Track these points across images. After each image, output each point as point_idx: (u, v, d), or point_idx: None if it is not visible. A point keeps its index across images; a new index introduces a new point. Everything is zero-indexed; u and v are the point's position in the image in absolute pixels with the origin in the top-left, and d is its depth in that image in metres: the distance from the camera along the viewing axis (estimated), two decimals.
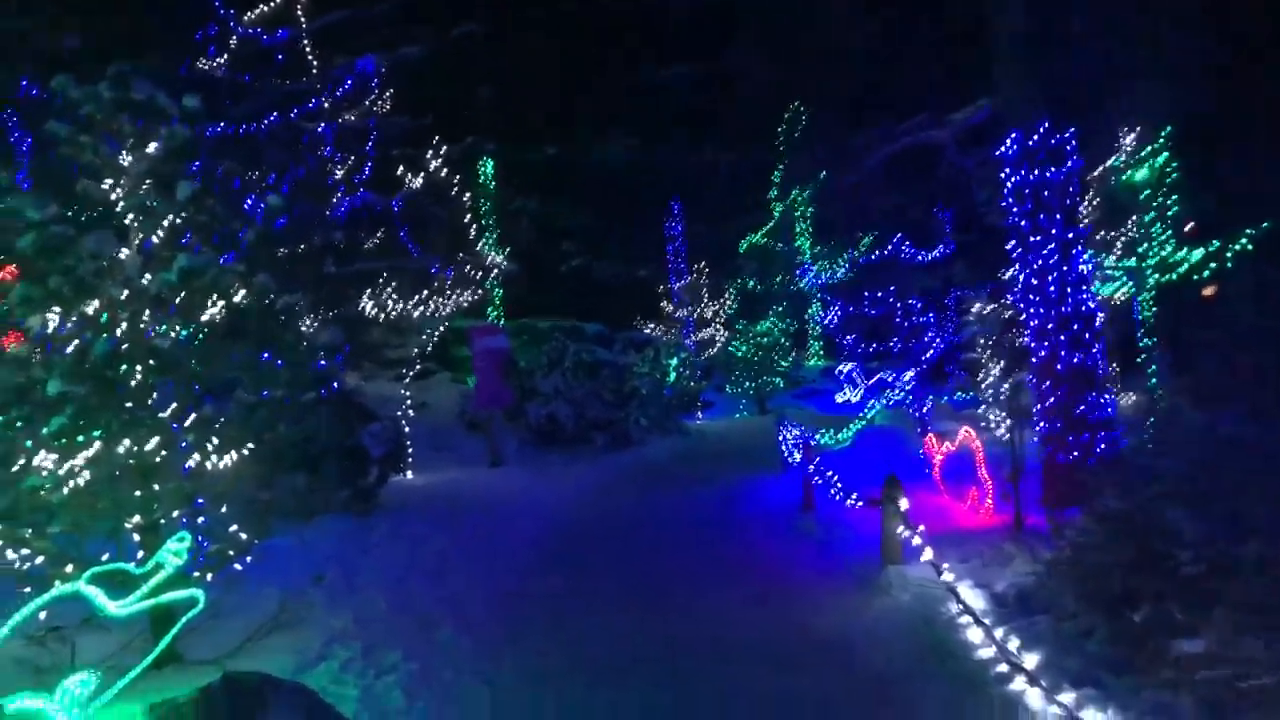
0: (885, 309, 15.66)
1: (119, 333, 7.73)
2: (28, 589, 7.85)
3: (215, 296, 8.24)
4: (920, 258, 16.61)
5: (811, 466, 13.97)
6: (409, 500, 15.13)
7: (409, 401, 18.86)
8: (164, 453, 8.04)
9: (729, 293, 32.34)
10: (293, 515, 9.61)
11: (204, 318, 8.23)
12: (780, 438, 18.28)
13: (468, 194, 22.54)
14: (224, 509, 8.62)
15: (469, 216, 22.74)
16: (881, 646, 8.38)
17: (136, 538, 8.06)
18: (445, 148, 20.81)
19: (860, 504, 12.47)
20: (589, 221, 33.40)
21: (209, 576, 8.15)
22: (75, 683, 6.23)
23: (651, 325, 31.16)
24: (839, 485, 13.38)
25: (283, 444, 9.58)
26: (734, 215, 33.84)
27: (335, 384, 11.30)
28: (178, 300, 8.03)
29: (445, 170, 20.25)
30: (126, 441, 7.74)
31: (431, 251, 19.73)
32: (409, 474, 17.63)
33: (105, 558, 7.70)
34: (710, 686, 7.81)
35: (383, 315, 18.49)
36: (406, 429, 17.81)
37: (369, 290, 18.26)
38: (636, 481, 19.11)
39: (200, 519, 8.44)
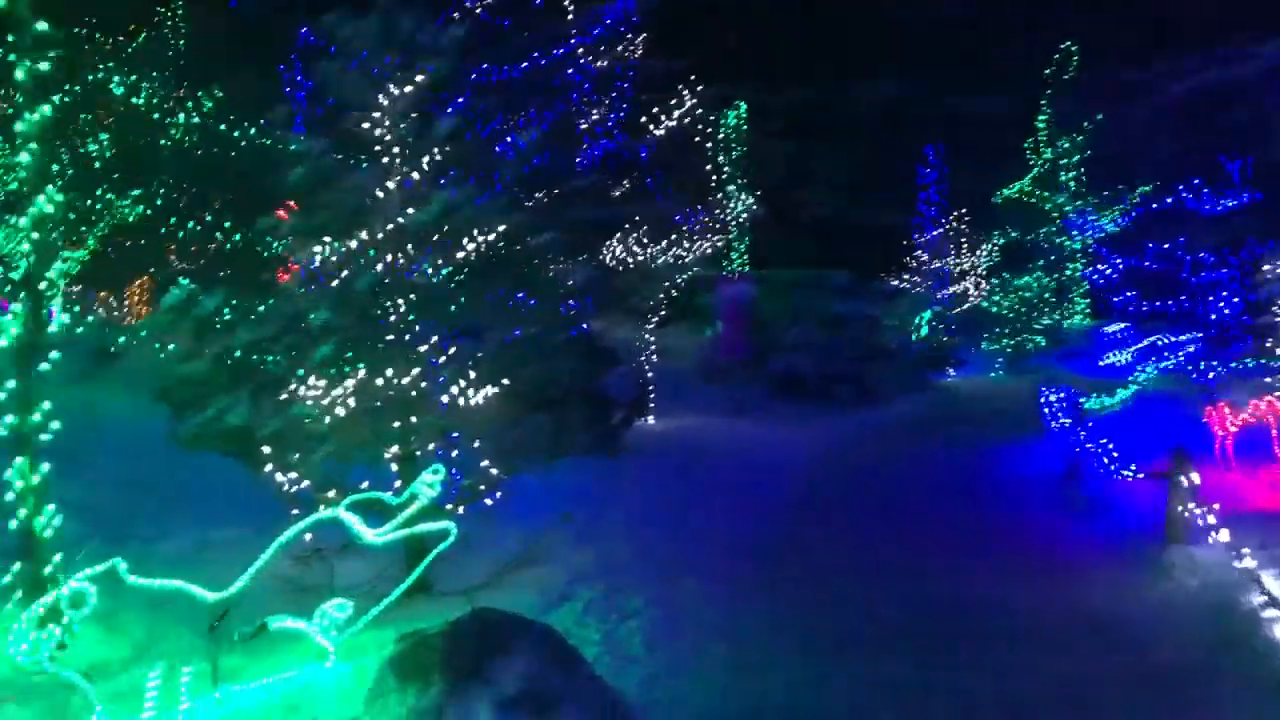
0: (1168, 264, 14.11)
1: (380, 268, 7.87)
2: (295, 511, 8.23)
3: (472, 235, 8.26)
4: (1210, 208, 14.75)
5: (1082, 433, 12.87)
6: (650, 446, 15.09)
7: (651, 348, 18.84)
8: (421, 385, 8.18)
9: (987, 245, 30.59)
10: (539, 455, 9.63)
11: (460, 256, 8.28)
12: (1042, 400, 17.05)
13: (716, 139, 22.17)
14: (476, 444, 8.73)
15: (716, 163, 22.39)
16: (1168, 634, 7.52)
17: (394, 468, 8.26)
18: (695, 92, 20.47)
19: (1138, 476, 11.35)
20: (840, 168, 32.35)
21: (460, 510, 8.27)
22: (332, 607, 6.41)
23: (902, 277, 29.98)
24: (1112, 454, 12.26)
25: (532, 384, 9.61)
26: (995, 162, 31.88)
27: (584, 326, 11.28)
28: (436, 238, 8.10)
29: (694, 115, 19.91)
30: (388, 373, 7.89)
31: (678, 198, 19.49)
32: (650, 419, 17.63)
33: (364, 486, 7.94)
34: (970, 663, 7.22)
35: (629, 261, 18.47)
36: (649, 375, 17.80)
37: (615, 236, 18.25)
38: (881, 440, 18.40)
39: (454, 453, 8.57)
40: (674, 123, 19.75)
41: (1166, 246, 13.64)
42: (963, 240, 30.58)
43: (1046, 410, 16.78)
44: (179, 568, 8.63)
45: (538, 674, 5.81)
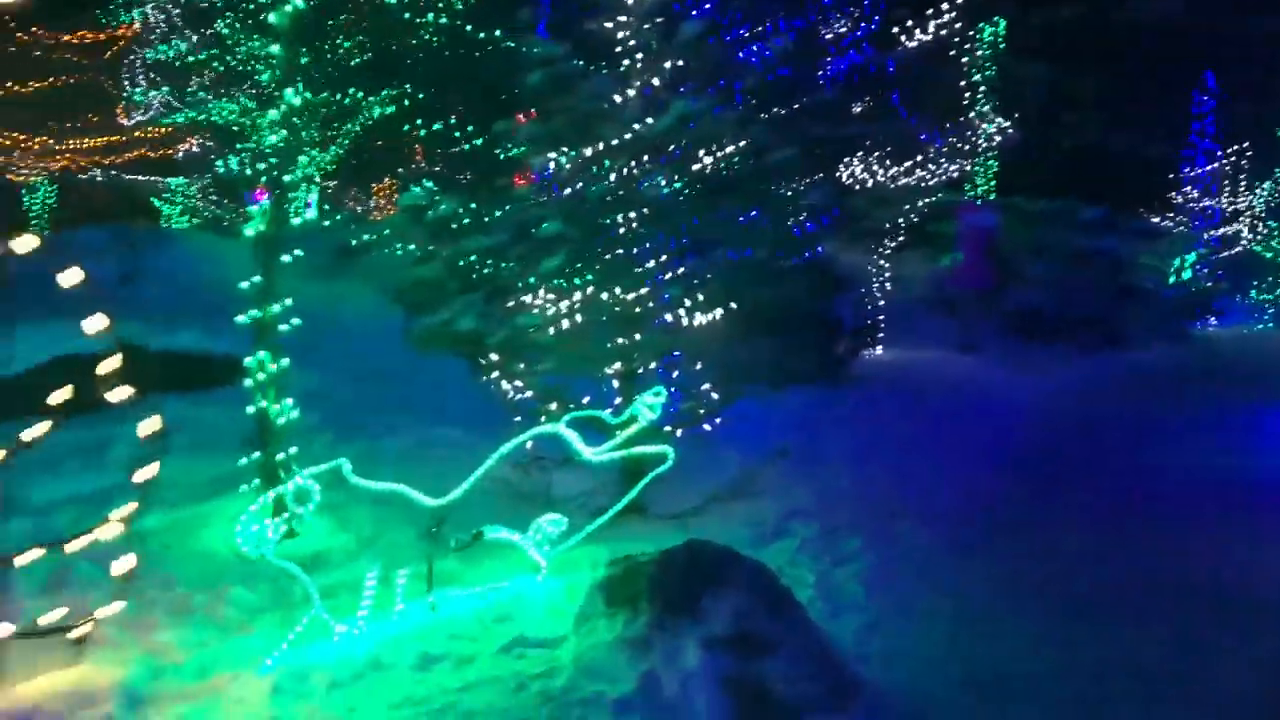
0: None
1: (613, 179, 7.65)
2: (518, 419, 8.27)
3: (709, 147, 7.90)
4: None
5: None
6: (876, 376, 14.53)
7: (884, 275, 18.07)
8: (648, 303, 7.98)
9: (1269, 183, 27.62)
10: (762, 381, 9.35)
11: (694, 169, 7.94)
12: None
13: (970, 57, 20.73)
14: (698, 366, 8.50)
15: (969, 82, 21.01)
16: None
17: (615, 385, 8.13)
18: (954, 4, 19.10)
19: None
20: (1103, 93, 29.74)
21: (678, 433, 8.08)
22: (547, 521, 6.36)
23: (1163, 215, 27.50)
24: None
25: (759, 307, 9.27)
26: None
27: (818, 249, 10.81)
28: (671, 149, 7.79)
29: (949, 29, 18.62)
30: (615, 288, 7.73)
31: (924, 118, 18.41)
32: (878, 349, 16.98)
33: (585, 401, 7.87)
34: (1232, 654, 6.45)
35: (867, 183, 17.67)
36: (879, 303, 17.10)
37: (855, 155, 17.46)
38: (1129, 393, 16.96)
39: (675, 374, 8.37)
40: (927, 37, 18.54)
41: None
42: (1239, 177, 27.68)
43: None
44: (403, 465, 8.94)
45: (749, 614, 5.57)
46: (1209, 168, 27.57)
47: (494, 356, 7.84)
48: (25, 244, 4.80)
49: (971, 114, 21.11)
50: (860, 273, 18.29)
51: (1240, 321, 26.00)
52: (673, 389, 8.20)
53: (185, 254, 13.19)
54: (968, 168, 19.81)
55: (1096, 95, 29.36)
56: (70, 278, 4.74)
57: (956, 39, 19.40)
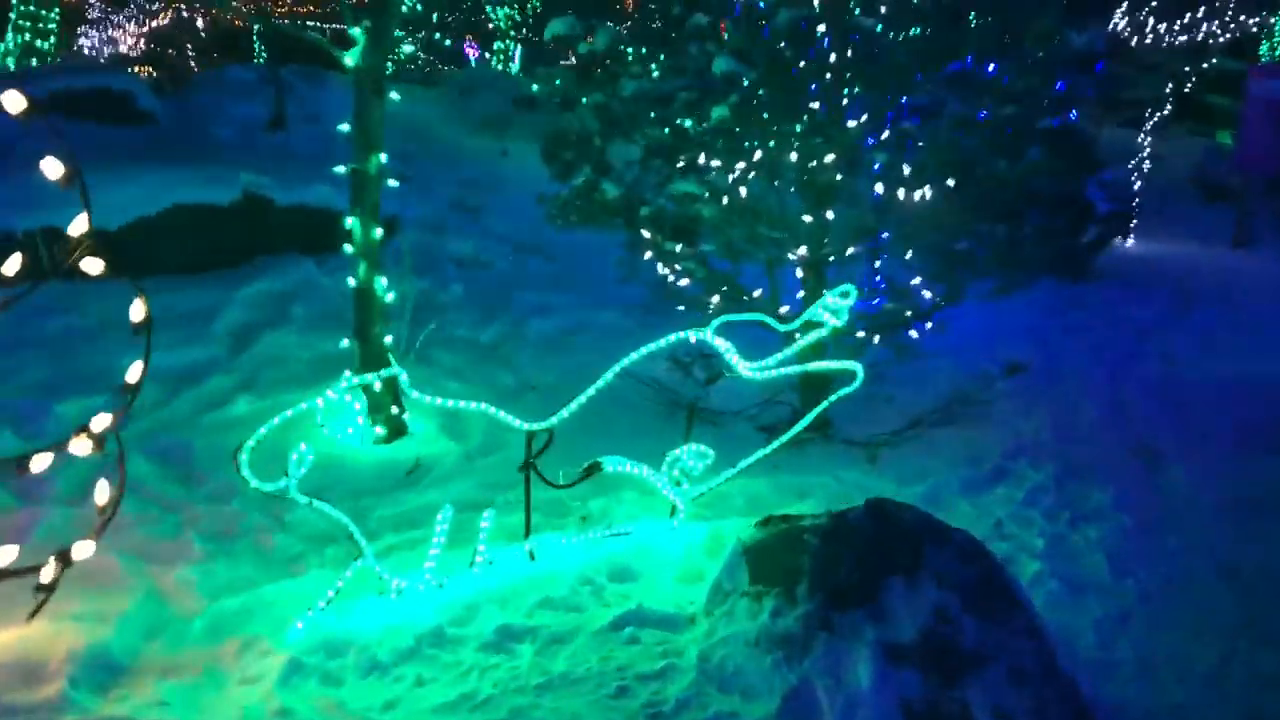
0: None
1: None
2: (680, 307, 6.76)
3: None
4: None
5: None
6: (1128, 273, 12.16)
7: (1145, 153, 15.28)
8: (847, 173, 6.17)
9: None
10: (988, 276, 7.41)
11: None
12: None
13: None
14: (908, 255, 6.68)
15: None
16: None
17: (798, 274, 6.44)
18: None
19: None
20: None
21: (875, 339, 6.36)
22: (687, 452, 4.85)
23: None
24: None
25: (991, 183, 7.32)
26: None
27: (1072, 115, 8.61)
28: None
29: None
30: (802, 153, 5.95)
31: None
32: (1130, 240, 14.41)
33: (757, 294, 6.24)
34: None
35: (1132, 39, 14.80)
36: (1136, 186, 14.44)
37: (1121, 6, 14.60)
38: None
39: (877, 264, 6.60)
40: None
41: None
42: None
43: None
44: (548, 352, 7.63)
45: (952, 614, 3.96)
46: None
47: (645, 234, 6.26)
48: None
49: None
50: (1117, 148, 15.53)
51: None
52: (875, 281, 6.47)
53: (340, 99, 12.15)
54: (1257, 28, 16.37)
55: None
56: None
57: None
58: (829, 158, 5.84)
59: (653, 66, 6.37)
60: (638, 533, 4.80)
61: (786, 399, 6.61)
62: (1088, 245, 11.42)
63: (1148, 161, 15.59)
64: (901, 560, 4.06)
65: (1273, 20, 18.49)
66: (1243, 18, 15.34)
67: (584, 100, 6.47)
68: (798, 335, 5.02)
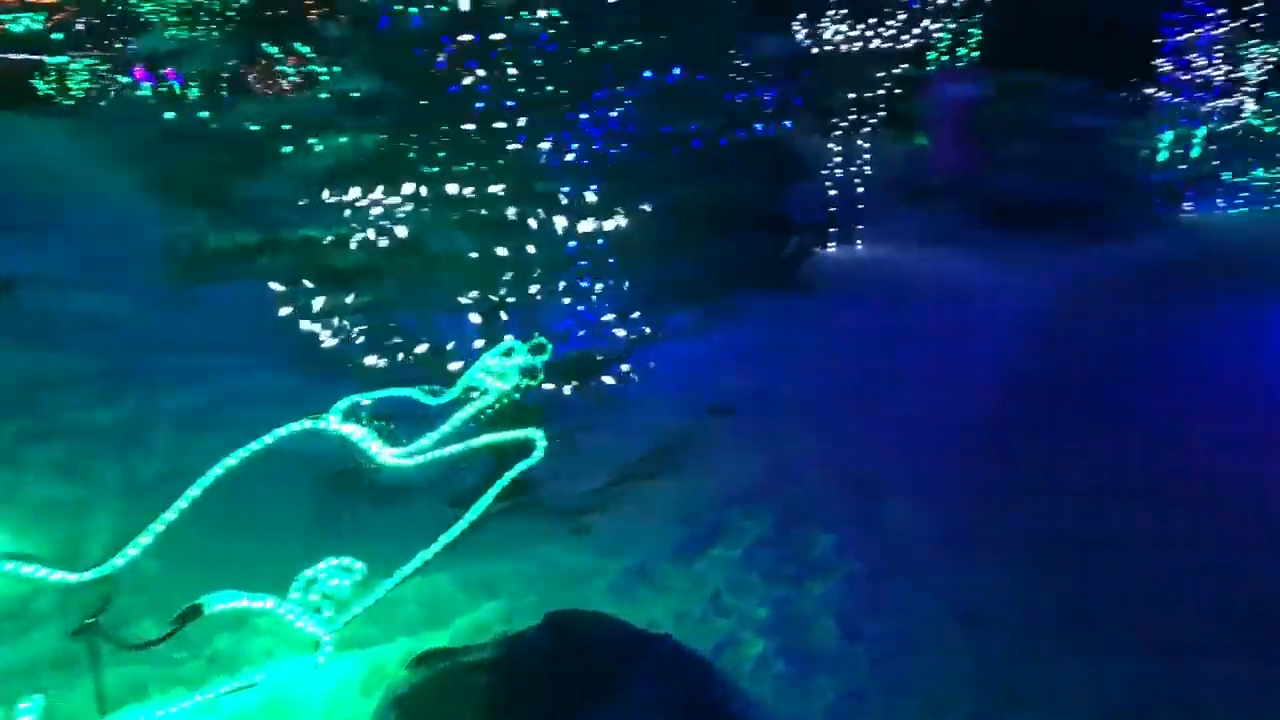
0: None
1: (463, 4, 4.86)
2: (350, 365, 5.72)
3: None
4: None
5: None
6: (844, 280, 12.06)
7: (852, 160, 15.46)
8: (524, 202, 5.35)
9: (1264, 50, 25.02)
10: (696, 304, 6.85)
11: None
12: None
13: None
14: (599, 290, 5.94)
15: None
16: None
17: (476, 321, 5.56)
18: None
19: None
20: None
21: (567, 390, 5.57)
22: (327, 571, 3.85)
23: (1153, 88, 24.83)
24: None
25: (693, 202, 6.77)
26: None
27: (781, 124, 8.27)
28: None
29: None
30: (465, 183, 5.07)
31: None
32: (843, 246, 14.49)
33: (422, 350, 5.31)
34: None
35: (830, 46, 14.92)
36: (845, 192, 14.52)
37: (803, 16, 14.66)
38: (1125, 290, 14.72)
39: (569, 302, 5.82)
40: None
41: None
42: (1233, 45, 25.03)
43: None
44: (189, 436, 6.35)
45: None
46: (1201, 31, 24.91)
47: (276, 286, 5.21)
48: None
49: None
50: (822, 157, 15.65)
51: (1233, 206, 23.76)
52: (564, 323, 5.69)
53: None
54: (944, 33, 17.00)
55: None
56: None
57: None
58: (499, 186, 4.98)
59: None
60: (270, 679, 3.75)
61: (478, 463, 5.72)
62: (798, 257, 11.19)
63: (855, 169, 15.79)
64: (593, 689, 3.24)
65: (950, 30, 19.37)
66: (923, 25, 15.81)
67: (214, 126, 5.36)
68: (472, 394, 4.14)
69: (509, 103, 5.06)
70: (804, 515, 5.70)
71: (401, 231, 5.11)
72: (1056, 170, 18.29)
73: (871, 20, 15.08)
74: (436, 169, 5.16)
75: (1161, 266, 17.21)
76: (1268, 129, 23.28)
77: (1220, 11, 24.51)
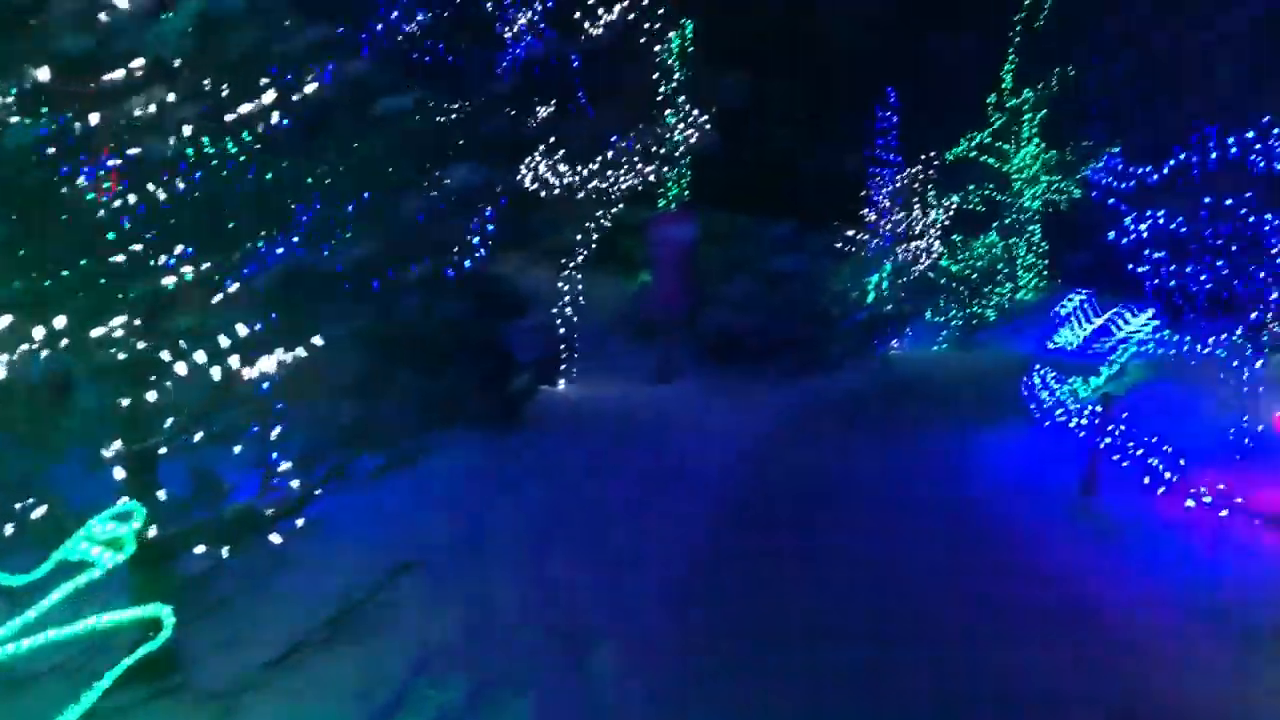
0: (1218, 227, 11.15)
1: (78, 123, 4.30)
2: None
3: (266, 81, 4.79)
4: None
5: (1109, 433, 9.85)
6: (561, 417, 11.88)
7: (571, 297, 15.49)
8: (174, 340, 4.73)
9: (941, 201, 27.72)
10: (392, 439, 6.34)
11: (243, 113, 4.75)
12: (1031, 383, 14.25)
13: (659, 55, 18.54)
14: (275, 434, 5.35)
15: (659, 82, 18.91)
16: None
17: (119, 474, 4.82)
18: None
19: (1254, 520, 7.86)
20: (792, 105, 28.91)
21: (225, 552, 4.90)
22: None
23: (851, 232, 26.83)
24: (1159, 464, 9.31)
25: (393, 335, 6.35)
26: (964, 111, 28.98)
27: (474, 258, 8.00)
28: (196, 76, 4.59)
29: (637, 19, 16.35)
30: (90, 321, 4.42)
31: (612, 117, 16.03)
32: (562, 384, 14.36)
33: (40, 514, 4.52)
34: None
35: (549, 189, 15.04)
36: (562, 331, 14.49)
37: (527, 160, 14.78)
38: (834, 419, 15.46)
39: (234, 446, 5.19)
40: (600, 30, 16.09)
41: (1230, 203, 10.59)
42: (918, 195, 27.57)
43: (1042, 394, 13.98)
44: None
45: None
46: (892, 184, 27.29)
47: None
48: None
49: (662, 119, 19.02)
50: (540, 297, 15.62)
51: (921, 343, 25.80)
52: (222, 474, 5.05)
53: None
54: (659, 177, 17.59)
55: (783, 108, 28.55)
56: None
57: (644, 34, 17.20)
58: (118, 322, 4.36)
59: None
60: None
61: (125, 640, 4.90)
62: (515, 394, 10.90)
63: (574, 306, 15.82)
64: None
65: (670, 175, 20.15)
66: (648, 168, 16.28)
67: None
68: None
69: (151, 233, 4.50)
70: (500, 678, 5.23)
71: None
72: (769, 309, 19.15)
73: (594, 162, 15.38)
74: (66, 307, 4.49)
75: (862, 396, 18.30)
76: (954, 269, 25.56)
77: (912, 163, 27.07)
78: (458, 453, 9.14)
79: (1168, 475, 8.22)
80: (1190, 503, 7.70)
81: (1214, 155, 11.26)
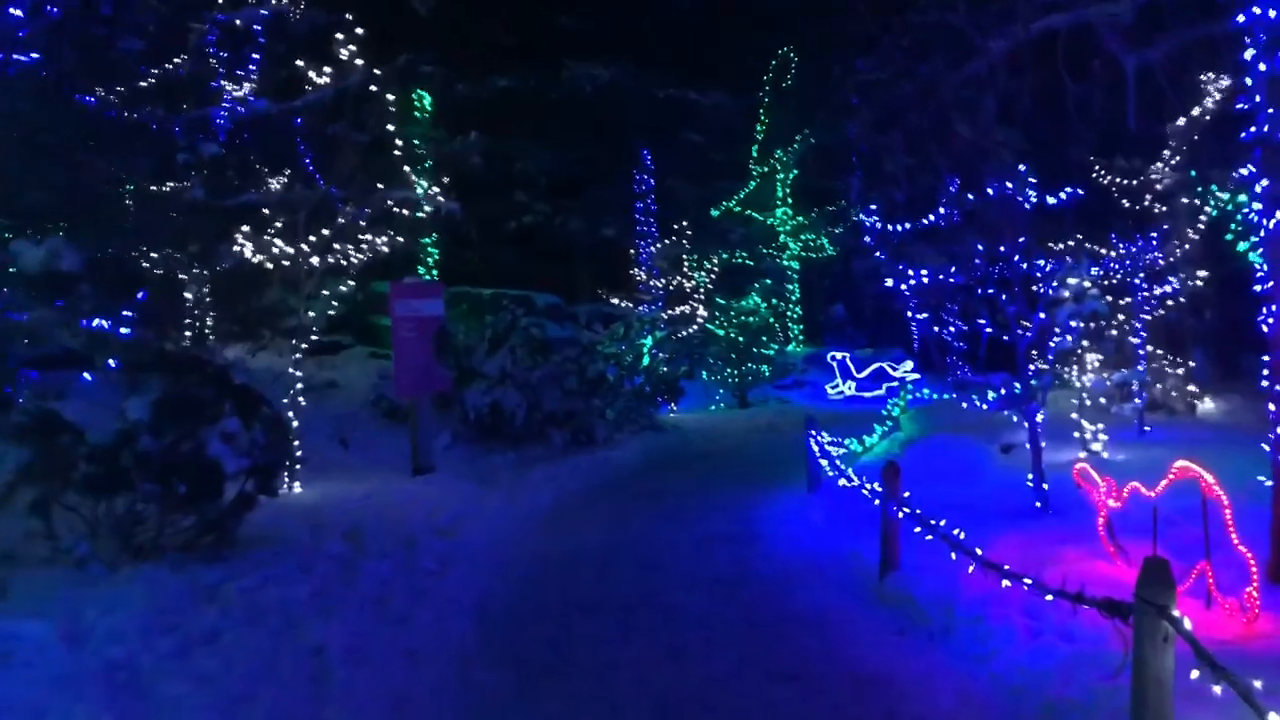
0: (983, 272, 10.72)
1: None
2: None
3: None
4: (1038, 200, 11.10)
5: (901, 504, 9.00)
6: (286, 534, 10.03)
7: (300, 384, 13.67)
8: None
9: (705, 263, 27.44)
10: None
11: None
12: (811, 445, 13.52)
13: (394, 125, 17.05)
14: None
15: (398, 148, 17.48)
16: None
17: None
18: (372, 68, 15.31)
19: (1079, 600, 6.62)
20: (546, 169, 28.00)
21: None
22: None
23: (618, 298, 26.07)
24: (960, 534, 8.42)
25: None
26: (719, 170, 28.97)
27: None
28: None
29: (364, 76, 14.85)
30: None
31: (342, 183, 14.43)
32: (296, 487, 12.50)
33: None
34: None
35: (270, 263, 13.27)
36: (295, 423, 12.65)
37: (246, 230, 13.03)
38: (610, 500, 14.30)
39: None
40: (336, 83, 14.60)
41: (1001, 249, 10.15)
42: (681, 257, 27.22)
43: (817, 459, 13.24)
44: None
45: None
46: (654, 248, 26.76)
47: None
48: None
49: (404, 186, 17.49)
50: (275, 382, 13.72)
51: (699, 404, 25.25)
52: None
53: None
54: (404, 244, 16.05)
55: (537, 173, 27.62)
56: None
57: (374, 91, 15.69)
58: None
59: None
60: None
61: None
62: (222, 513, 9.06)
63: (303, 395, 14.01)
64: None
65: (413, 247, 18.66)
66: (386, 238, 14.74)
67: None
68: None
69: None
70: None
71: None
72: (540, 382, 17.91)
73: (319, 234, 13.70)
74: None
75: (639, 469, 17.33)
76: (719, 331, 25.16)
77: (670, 225, 26.59)
78: (145, 588, 7.29)
79: (976, 551, 7.33)
80: (1006, 583, 6.81)
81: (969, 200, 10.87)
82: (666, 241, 27.15)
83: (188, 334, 15.37)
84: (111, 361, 8.78)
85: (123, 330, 10.34)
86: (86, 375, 9.73)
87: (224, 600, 7.72)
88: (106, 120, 13.45)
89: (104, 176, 13.28)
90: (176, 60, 14.18)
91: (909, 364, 27.32)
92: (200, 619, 7.27)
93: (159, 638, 6.74)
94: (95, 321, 9.52)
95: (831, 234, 30.32)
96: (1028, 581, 6.63)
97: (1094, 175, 14.97)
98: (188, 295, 15.42)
